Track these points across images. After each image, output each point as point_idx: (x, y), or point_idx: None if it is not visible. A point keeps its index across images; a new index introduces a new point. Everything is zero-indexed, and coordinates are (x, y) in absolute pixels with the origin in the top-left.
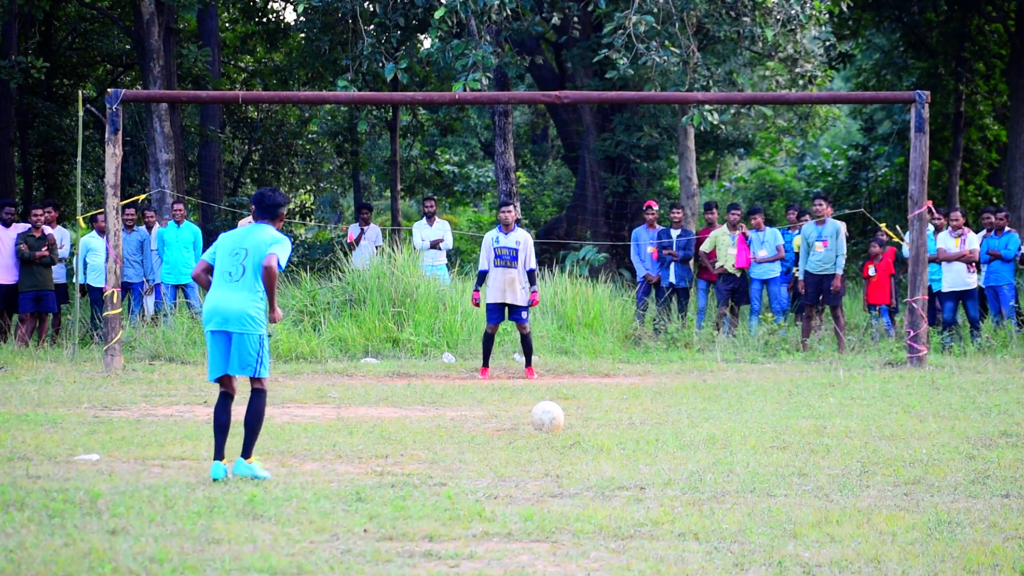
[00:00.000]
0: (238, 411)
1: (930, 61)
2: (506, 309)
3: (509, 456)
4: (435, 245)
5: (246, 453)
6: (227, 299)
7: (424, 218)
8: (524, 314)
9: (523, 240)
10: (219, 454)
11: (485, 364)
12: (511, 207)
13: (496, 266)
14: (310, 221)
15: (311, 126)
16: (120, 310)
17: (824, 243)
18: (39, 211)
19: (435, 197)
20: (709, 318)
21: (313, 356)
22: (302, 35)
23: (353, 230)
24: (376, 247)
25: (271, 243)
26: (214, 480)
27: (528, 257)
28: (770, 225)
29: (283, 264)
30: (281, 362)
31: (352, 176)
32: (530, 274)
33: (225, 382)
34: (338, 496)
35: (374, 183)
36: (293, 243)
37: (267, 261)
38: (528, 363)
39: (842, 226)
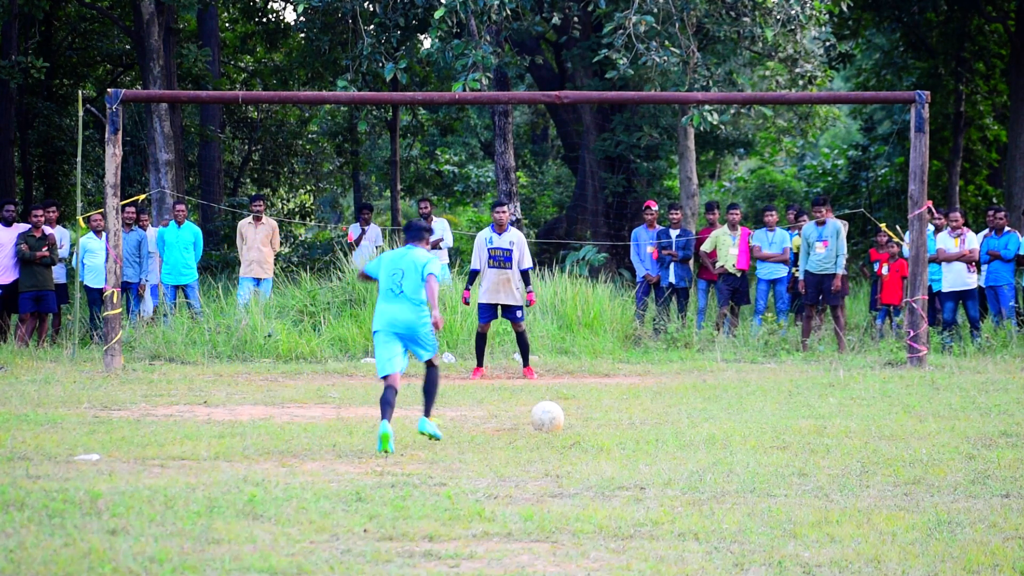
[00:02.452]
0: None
1: (930, 61)
2: (499, 308)
3: (509, 456)
4: (435, 245)
5: (427, 413)
6: (395, 311)
7: (420, 220)
8: (519, 313)
9: (517, 240)
10: (386, 417)
11: (479, 364)
12: (506, 207)
13: (490, 267)
14: (310, 221)
15: (311, 126)
16: (120, 310)
17: (825, 243)
18: (40, 211)
19: (430, 198)
20: (709, 318)
21: (313, 356)
22: (302, 35)
23: (354, 230)
24: (376, 247)
25: (424, 264)
26: (381, 435)
27: (522, 257)
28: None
29: (439, 276)
30: (281, 362)
31: (352, 176)
32: (524, 274)
33: (391, 379)
34: (338, 496)
35: (374, 183)
36: (293, 243)
37: (428, 281)
38: (526, 363)
39: (843, 226)
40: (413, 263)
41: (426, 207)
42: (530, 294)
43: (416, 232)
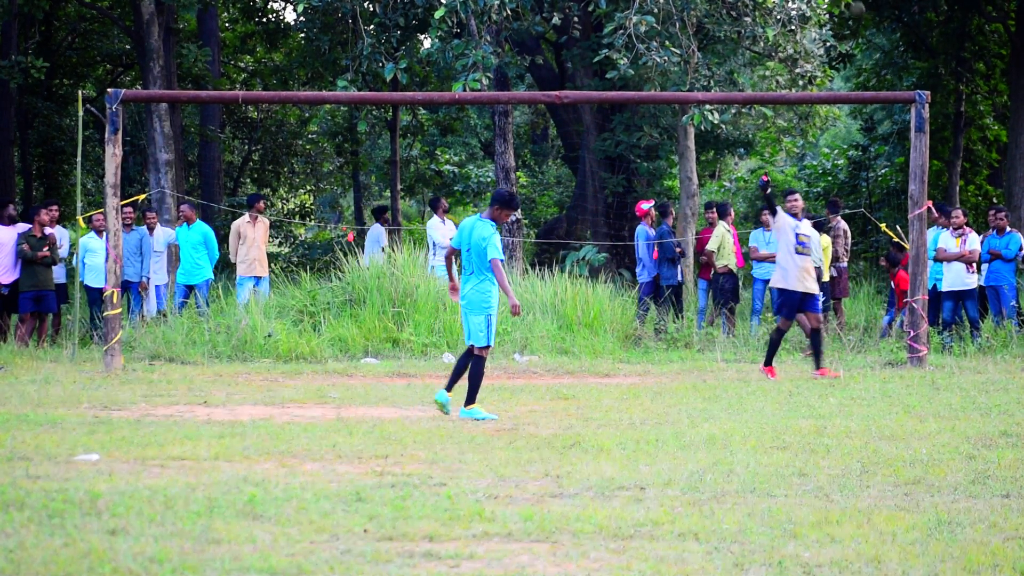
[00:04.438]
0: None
1: (930, 61)
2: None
3: (509, 456)
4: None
5: (468, 401)
6: (465, 286)
7: (438, 217)
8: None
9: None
10: (448, 386)
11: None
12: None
13: None
14: (310, 221)
15: (311, 126)
16: (120, 310)
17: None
18: (43, 211)
19: (450, 196)
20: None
21: (313, 356)
22: (302, 35)
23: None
24: (380, 248)
25: (485, 244)
26: (437, 402)
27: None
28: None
29: (500, 255)
30: (281, 362)
31: (352, 176)
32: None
33: (470, 349)
34: (338, 496)
35: (374, 183)
36: (293, 243)
37: (492, 266)
38: None
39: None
40: (478, 242)
41: (445, 205)
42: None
43: (493, 199)
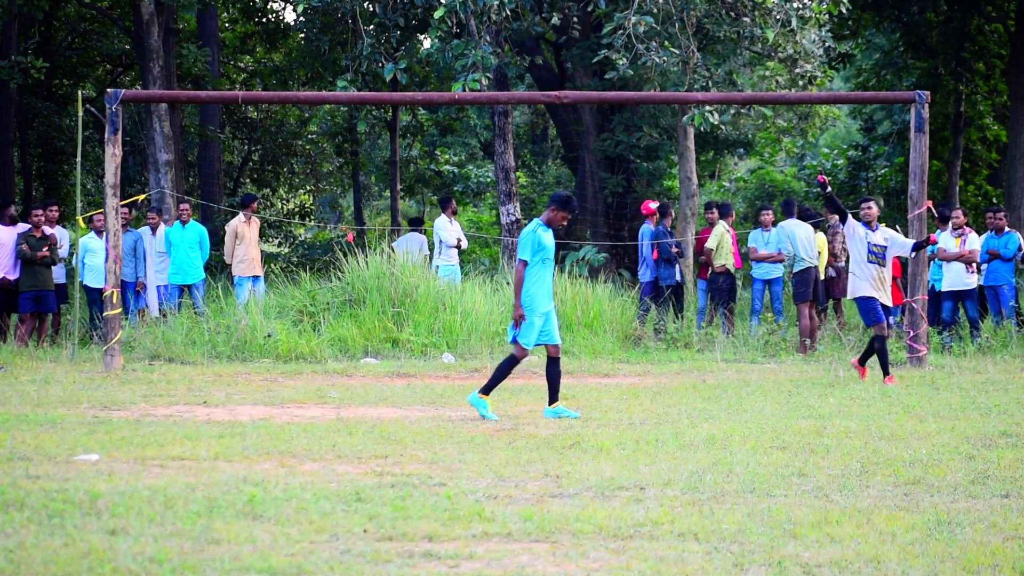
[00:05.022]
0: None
1: (930, 61)
2: None
3: (509, 456)
4: (458, 244)
5: (553, 398)
6: None
7: (446, 216)
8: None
9: None
10: (550, 400)
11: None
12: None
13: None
14: (309, 221)
15: (311, 126)
16: (119, 310)
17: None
18: (40, 211)
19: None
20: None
21: (313, 356)
22: (302, 35)
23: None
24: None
25: (519, 246)
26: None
27: None
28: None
29: (525, 257)
30: (281, 362)
31: (352, 176)
32: None
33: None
34: (338, 496)
35: (373, 183)
36: (292, 243)
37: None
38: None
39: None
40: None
41: (454, 206)
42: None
43: (550, 200)
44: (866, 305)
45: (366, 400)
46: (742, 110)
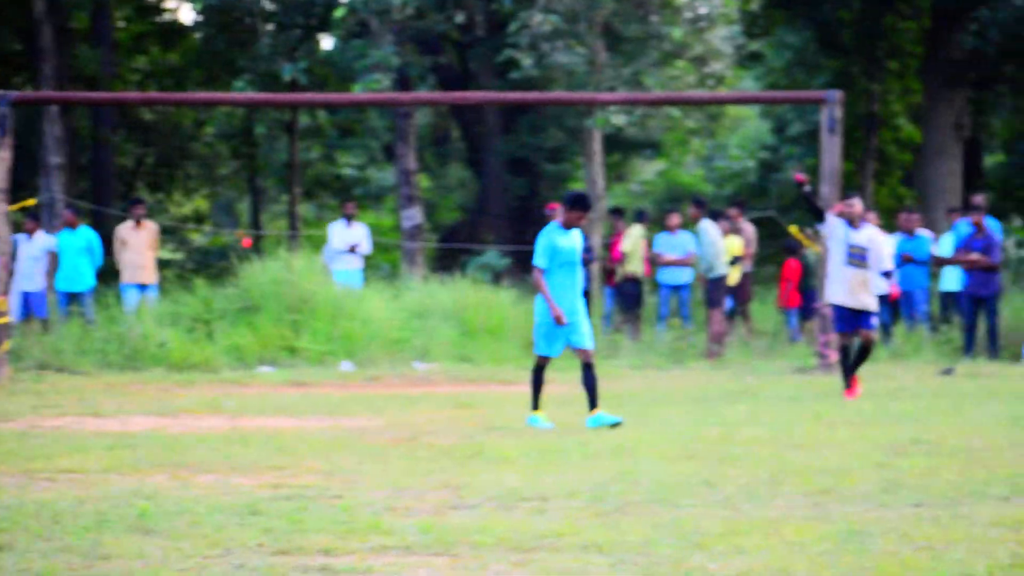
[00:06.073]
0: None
1: (842, 60)
2: None
3: (408, 467)
4: (353, 249)
5: (591, 404)
6: None
7: (342, 219)
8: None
9: None
10: (591, 406)
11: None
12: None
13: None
14: (205, 226)
15: (207, 128)
16: (8, 319)
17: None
18: None
19: (355, 199)
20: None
21: (207, 365)
22: (198, 35)
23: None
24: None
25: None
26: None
27: None
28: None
29: (539, 263)
30: (174, 372)
31: (249, 180)
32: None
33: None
34: (232, 509)
35: (272, 187)
36: (188, 249)
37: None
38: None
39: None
40: None
41: (353, 207)
42: None
43: (562, 201)
44: (838, 313)
45: (262, 410)
46: (649, 111)
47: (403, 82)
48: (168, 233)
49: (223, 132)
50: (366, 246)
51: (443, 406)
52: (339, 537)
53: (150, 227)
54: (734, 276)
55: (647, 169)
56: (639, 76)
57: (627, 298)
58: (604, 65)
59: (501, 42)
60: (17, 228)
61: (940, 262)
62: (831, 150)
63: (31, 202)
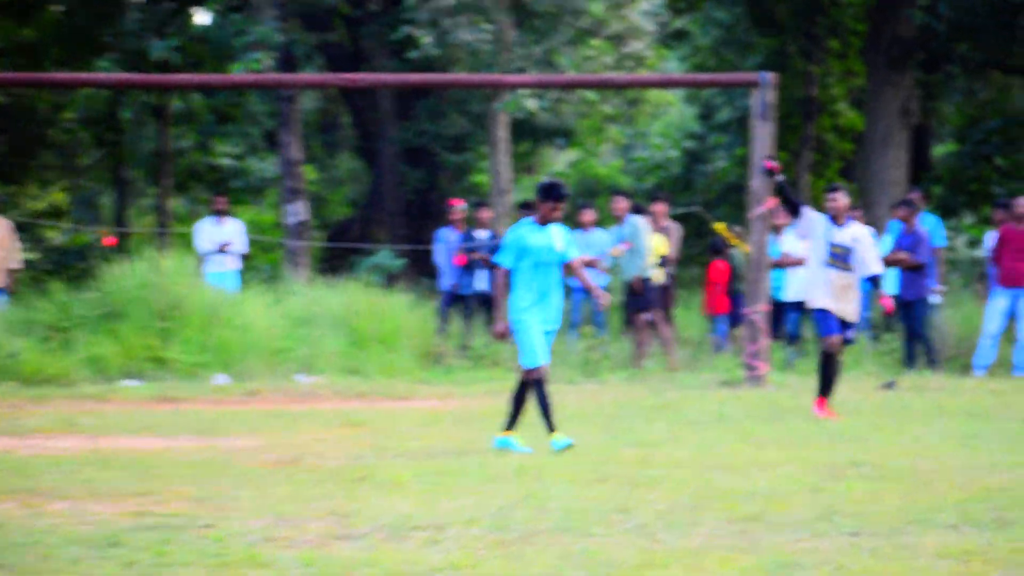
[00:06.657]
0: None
1: (777, 38)
2: None
3: (289, 492)
4: (224, 249)
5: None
6: None
7: (212, 216)
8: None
9: None
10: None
11: None
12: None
13: None
14: (63, 223)
15: (66, 113)
16: None
17: (628, 244)
18: None
19: (226, 194)
20: None
21: (64, 379)
22: (58, 8)
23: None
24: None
25: None
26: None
27: None
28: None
29: (503, 261)
30: (25, 386)
31: (113, 170)
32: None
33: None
34: (89, 541)
35: (139, 178)
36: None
37: None
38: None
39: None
40: None
41: (223, 203)
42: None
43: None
44: (820, 317)
45: (125, 429)
46: (562, 95)
47: (287, 62)
48: (21, 230)
49: (85, 117)
50: (240, 245)
51: (329, 424)
52: (210, 571)
53: (1, 224)
54: (658, 279)
55: (559, 159)
56: (551, 56)
57: None
58: (513, 44)
59: (397, 18)
60: None
61: None
62: (763, 138)
63: None
